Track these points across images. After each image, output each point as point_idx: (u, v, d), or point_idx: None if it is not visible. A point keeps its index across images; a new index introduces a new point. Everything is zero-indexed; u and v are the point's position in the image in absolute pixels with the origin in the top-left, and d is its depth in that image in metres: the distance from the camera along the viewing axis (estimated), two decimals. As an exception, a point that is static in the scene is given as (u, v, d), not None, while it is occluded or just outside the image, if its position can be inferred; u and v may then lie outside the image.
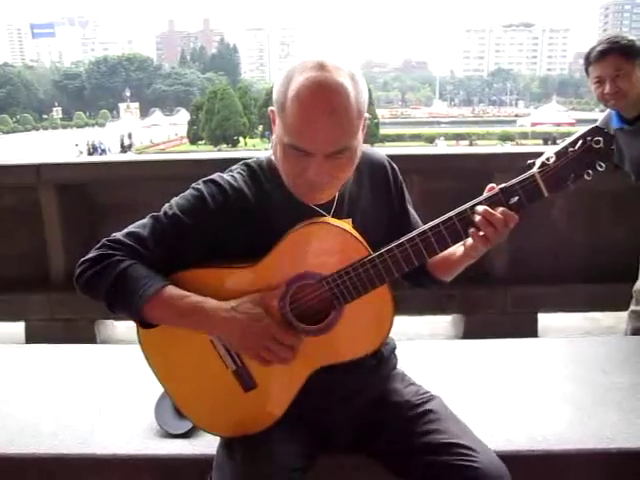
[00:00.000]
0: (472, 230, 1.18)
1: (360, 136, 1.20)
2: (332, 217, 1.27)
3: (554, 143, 35.13)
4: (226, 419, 1.33)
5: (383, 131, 45.67)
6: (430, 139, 43.45)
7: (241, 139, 47.18)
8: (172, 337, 1.27)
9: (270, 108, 1.24)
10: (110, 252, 1.23)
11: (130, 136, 45.71)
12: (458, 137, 44.27)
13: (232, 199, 1.25)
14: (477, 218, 1.17)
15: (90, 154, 37.13)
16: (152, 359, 1.31)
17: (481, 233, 1.18)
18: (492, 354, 2.08)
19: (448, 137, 44.25)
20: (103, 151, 38.95)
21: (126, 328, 3.42)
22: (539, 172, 1.15)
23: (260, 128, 49.47)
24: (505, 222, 1.17)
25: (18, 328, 3.41)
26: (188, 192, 1.28)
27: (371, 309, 1.26)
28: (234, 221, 1.25)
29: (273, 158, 1.28)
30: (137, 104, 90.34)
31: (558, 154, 1.15)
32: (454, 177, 3.41)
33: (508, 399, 1.74)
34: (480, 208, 1.18)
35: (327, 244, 1.23)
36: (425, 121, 68.58)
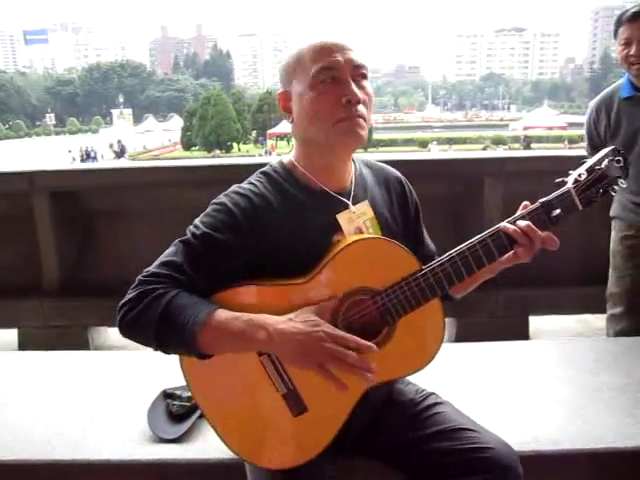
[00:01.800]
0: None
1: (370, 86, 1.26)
2: (352, 202, 1.30)
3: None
4: (272, 448, 1.28)
5: (376, 136, 45.68)
6: (423, 143, 43.51)
7: (235, 145, 47.13)
8: (218, 361, 1.20)
9: (279, 91, 1.28)
10: (149, 287, 1.17)
11: (120, 143, 45.48)
12: (451, 141, 44.38)
13: (258, 205, 1.23)
14: (517, 232, 1.21)
15: (83, 161, 36.98)
16: (195, 387, 1.27)
17: (519, 249, 1.23)
18: (484, 357, 2.10)
19: (441, 141, 44.35)
20: (95, 158, 38.80)
21: (119, 334, 3.41)
22: (574, 187, 1.22)
23: (254, 134, 49.47)
24: (542, 241, 1.22)
25: (11, 335, 3.41)
26: (210, 209, 1.25)
27: (422, 326, 1.27)
28: (266, 227, 1.23)
29: (285, 161, 1.32)
30: (130, 110, 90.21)
31: (589, 171, 1.23)
32: (446, 182, 3.44)
33: (499, 401, 1.76)
34: (522, 223, 1.22)
35: (380, 259, 1.24)
36: (418, 126, 68.67)
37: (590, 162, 1.24)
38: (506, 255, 1.24)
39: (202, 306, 1.15)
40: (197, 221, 1.24)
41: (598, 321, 3.14)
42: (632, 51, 2.29)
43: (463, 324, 3.36)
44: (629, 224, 2.56)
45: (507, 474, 1.24)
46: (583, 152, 2.77)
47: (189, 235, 1.22)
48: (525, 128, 49.01)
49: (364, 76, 1.23)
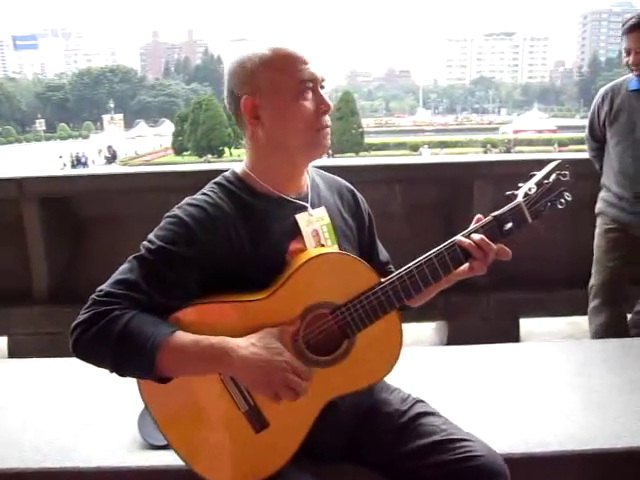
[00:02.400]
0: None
1: None
2: (310, 206, 1.32)
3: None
4: (236, 466, 1.28)
5: (368, 140, 45.76)
6: (415, 147, 43.66)
7: (226, 149, 47.10)
8: (177, 381, 1.18)
9: (243, 98, 1.24)
10: (104, 308, 1.13)
11: (111, 148, 45.24)
12: (442, 145, 44.57)
13: (213, 215, 1.21)
14: (472, 245, 1.25)
15: (74, 166, 36.84)
16: (153, 407, 1.25)
17: (474, 262, 1.26)
18: (475, 360, 2.11)
19: (432, 145, 44.53)
20: (85, 163, 38.66)
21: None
22: (524, 201, 1.27)
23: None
24: (496, 253, 1.26)
25: (1, 342, 3.38)
26: (164, 222, 1.23)
27: (381, 335, 1.27)
28: (222, 236, 1.21)
29: (238, 170, 1.32)
30: (121, 115, 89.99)
31: (537, 184, 1.28)
32: (436, 185, 3.45)
33: (489, 403, 1.77)
34: (477, 236, 1.25)
35: (339, 273, 1.25)
36: (409, 129, 68.93)
37: (538, 176, 1.29)
38: (461, 267, 1.28)
39: (160, 329, 1.12)
40: (151, 236, 1.21)
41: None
42: (630, 60, 2.51)
43: (454, 327, 3.37)
44: (612, 218, 2.68)
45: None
46: (572, 155, 2.81)
47: (143, 251, 1.19)
48: (515, 131, 49.34)
49: (324, 82, 1.28)
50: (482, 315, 3.33)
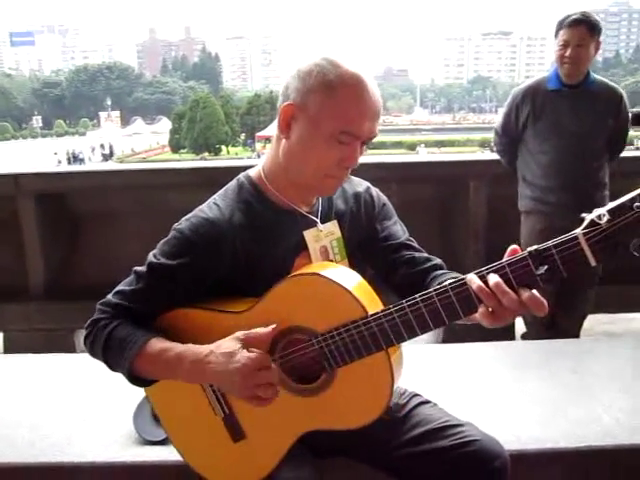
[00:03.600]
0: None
1: None
2: (320, 221, 1.28)
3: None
4: (219, 468, 1.29)
5: (365, 138, 45.74)
6: (412, 146, 43.72)
7: (223, 147, 47.08)
8: (168, 382, 1.22)
9: (287, 103, 1.17)
10: (99, 317, 1.22)
11: (103, 146, 45.08)
12: (439, 144, 44.62)
13: (221, 230, 1.19)
14: (483, 290, 0.97)
15: (70, 164, 36.78)
16: (154, 402, 1.32)
17: (489, 309, 0.99)
18: (469, 357, 2.12)
19: (430, 144, 44.55)
20: (81, 160, 38.60)
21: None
22: (584, 234, 0.90)
23: (242, 136, 49.43)
24: (522, 306, 0.95)
25: (-4, 339, 3.38)
26: (171, 235, 1.22)
27: (367, 377, 1.13)
28: (227, 252, 1.20)
29: (253, 174, 1.28)
30: (118, 112, 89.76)
31: (613, 212, 0.88)
32: (432, 184, 3.47)
33: (483, 400, 1.78)
34: (493, 278, 0.96)
35: (324, 299, 1.11)
36: (407, 128, 68.91)
37: (621, 200, 0.88)
38: (478, 313, 1.00)
39: (136, 337, 1.17)
40: (156, 250, 1.22)
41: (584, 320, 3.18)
42: (567, 53, 2.61)
43: (450, 326, 3.38)
44: (545, 217, 2.73)
45: (494, 463, 1.24)
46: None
47: (146, 265, 1.22)
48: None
49: (374, 137, 1.20)
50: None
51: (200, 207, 1.25)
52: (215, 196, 1.28)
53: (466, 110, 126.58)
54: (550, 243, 0.92)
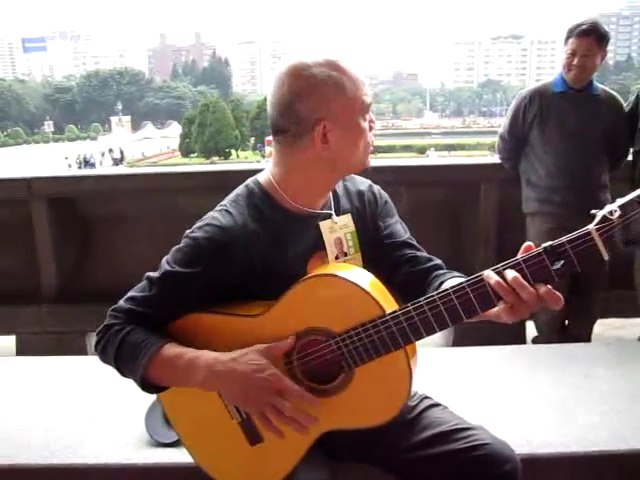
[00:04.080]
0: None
1: None
2: (335, 214, 1.30)
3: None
4: (234, 471, 1.28)
5: (375, 142, 45.57)
6: (421, 150, 43.68)
7: (233, 152, 47.24)
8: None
9: (322, 123, 1.18)
10: (111, 322, 1.21)
11: (112, 151, 45.26)
12: (449, 148, 44.55)
13: (234, 237, 1.19)
14: (502, 286, 1.00)
15: (80, 168, 37.09)
16: (165, 404, 1.31)
17: (503, 306, 1.02)
18: (480, 361, 2.11)
19: (439, 148, 44.50)
20: (92, 165, 38.91)
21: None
22: (597, 229, 0.93)
23: (252, 140, 49.61)
24: (539, 299, 0.99)
25: (9, 342, 3.41)
26: (184, 243, 1.22)
27: (384, 374, 1.15)
28: (240, 259, 1.20)
29: (262, 179, 1.29)
30: (129, 117, 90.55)
31: (624, 207, 0.92)
32: (442, 188, 3.46)
33: (495, 404, 1.77)
34: (511, 274, 0.99)
35: (340, 299, 1.13)
36: (416, 132, 68.94)
37: (630, 196, 0.92)
38: (494, 310, 1.04)
39: (149, 343, 1.16)
40: (170, 257, 1.22)
41: (595, 326, 3.16)
42: (574, 62, 2.70)
43: (460, 329, 3.37)
44: (551, 217, 2.77)
45: (504, 467, 1.24)
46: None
47: (160, 272, 1.21)
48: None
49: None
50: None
51: (211, 214, 1.25)
52: (225, 202, 1.27)
53: (476, 114, 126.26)
54: (564, 239, 0.95)
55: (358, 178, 1.42)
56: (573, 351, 2.17)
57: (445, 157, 34.08)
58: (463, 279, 1.07)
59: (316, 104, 1.17)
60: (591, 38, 2.66)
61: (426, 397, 1.44)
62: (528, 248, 1.00)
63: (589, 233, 0.94)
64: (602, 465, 1.55)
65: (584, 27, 2.66)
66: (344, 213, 1.34)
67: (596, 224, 0.93)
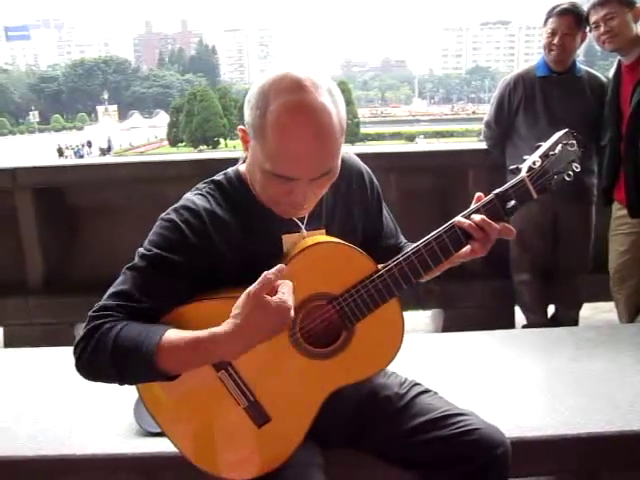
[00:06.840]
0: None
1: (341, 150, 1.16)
2: (306, 223, 1.25)
3: None
4: (241, 460, 1.27)
5: (364, 130, 45.80)
6: (410, 137, 43.70)
7: (222, 140, 46.98)
8: (175, 385, 1.15)
9: (240, 127, 1.16)
10: (98, 322, 1.12)
11: (90, 143, 44.54)
12: (438, 135, 44.58)
13: (209, 222, 1.19)
14: (473, 226, 1.19)
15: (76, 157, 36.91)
16: (150, 404, 1.26)
17: (475, 243, 1.21)
18: (469, 346, 2.12)
19: (428, 135, 44.52)
20: (81, 156, 38.69)
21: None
22: (528, 176, 1.20)
23: (240, 129, 49.32)
24: (499, 233, 1.20)
25: (-4, 334, 3.38)
26: (158, 226, 1.19)
27: (381, 325, 1.24)
28: (217, 243, 1.19)
29: (242, 169, 1.26)
30: (115, 107, 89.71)
31: (542, 157, 1.21)
32: (430, 174, 3.45)
33: (484, 389, 1.78)
34: (477, 217, 1.20)
35: (334, 263, 1.21)
36: (405, 119, 68.94)
37: (543, 148, 1.22)
38: (463, 249, 1.22)
39: (150, 332, 1.09)
40: (145, 243, 1.19)
41: (584, 309, 3.18)
42: (555, 40, 2.73)
43: (450, 315, 3.39)
44: (538, 203, 2.77)
45: (496, 451, 1.26)
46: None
47: (137, 259, 1.17)
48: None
49: (327, 174, 1.13)
50: (478, 302, 3.34)
51: (187, 196, 1.23)
52: (202, 190, 1.25)
53: (465, 100, 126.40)
54: (507, 186, 1.21)
55: (348, 161, 1.36)
56: (562, 335, 2.18)
57: (434, 144, 34.09)
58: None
59: (247, 108, 1.12)
60: (570, 17, 2.69)
61: (416, 384, 1.44)
62: (479, 198, 1.23)
63: (522, 180, 1.20)
64: (592, 448, 1.56)
65: (564, 6, 2.70)
66: (327, 224, 1.30)
67: (526, 172, 1.20)
